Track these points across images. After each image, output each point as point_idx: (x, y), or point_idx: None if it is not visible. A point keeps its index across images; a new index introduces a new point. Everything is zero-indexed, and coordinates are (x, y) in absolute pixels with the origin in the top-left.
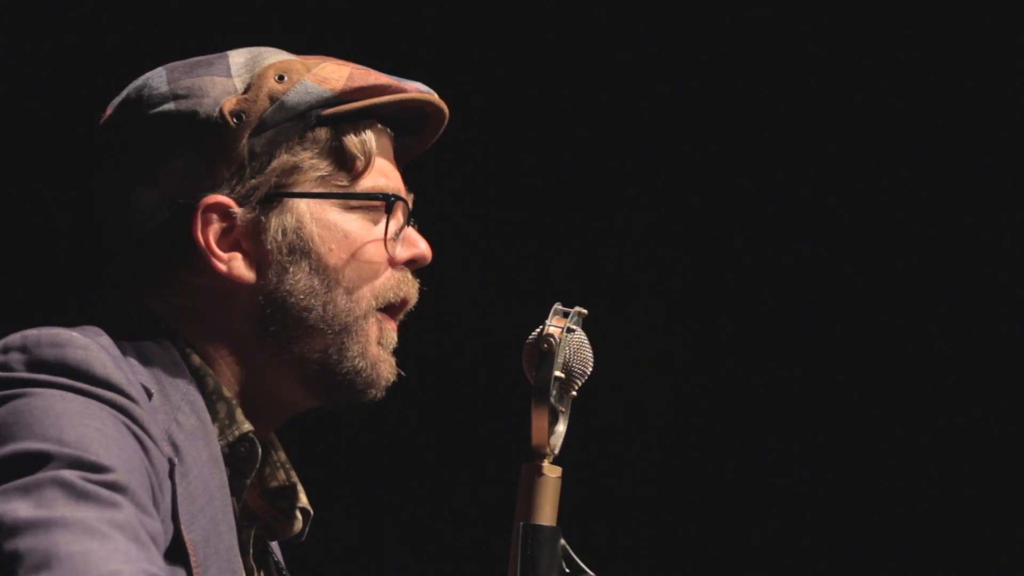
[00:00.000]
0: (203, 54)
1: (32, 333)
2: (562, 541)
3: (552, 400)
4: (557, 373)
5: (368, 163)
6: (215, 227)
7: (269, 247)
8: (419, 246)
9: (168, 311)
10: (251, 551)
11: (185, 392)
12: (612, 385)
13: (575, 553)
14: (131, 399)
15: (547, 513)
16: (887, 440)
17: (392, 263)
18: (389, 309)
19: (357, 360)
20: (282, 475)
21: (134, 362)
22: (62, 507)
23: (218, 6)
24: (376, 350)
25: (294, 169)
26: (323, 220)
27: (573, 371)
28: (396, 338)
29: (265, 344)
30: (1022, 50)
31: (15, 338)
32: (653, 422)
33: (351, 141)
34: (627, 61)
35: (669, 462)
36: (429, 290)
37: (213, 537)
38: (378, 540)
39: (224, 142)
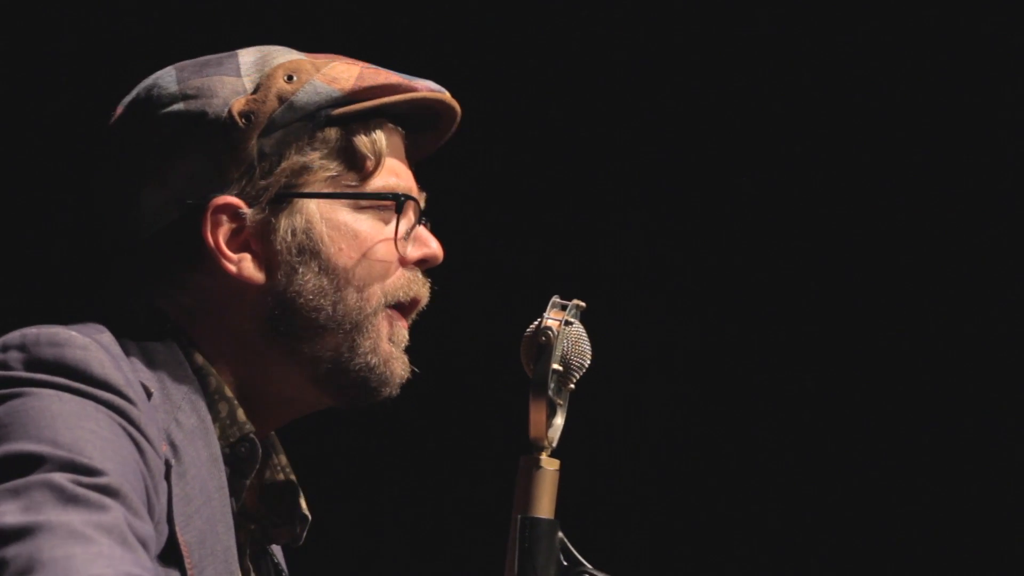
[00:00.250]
0: (213, 53)
1: (31, 332)
2: (560, 534)
3: (550, 393)
4: (555, 366)
5: (378, 163)
6: (225, 228)
7: (278, 248)
8: (430, 246)
9: (174, 310)
10: (248, 552)
11: (187, 391)
12: (610, 378)
13: (573, 546)
14: (128, 400)
15: (545, 506)
16: (885, 434)
17: (403, 262)
18: (400, 308)
19: (369, 357)
20: (282, 478)
21: (136, 360)
22: (50, 511)
23: (228, 5)
24: (388, 347)
25: (304, 169)
26: (333, 220)
27: (571, 364)
28: (407, 336)
29: (275, 344)
30: (1022, 50)
31: (14, 336)
32: (651, 415)
33: (361, 141)
34: (625, 57)
35: (667, 455)
36: (429, 279)
37: (209, 538)
38: (376, 531)
39: (233, 143)
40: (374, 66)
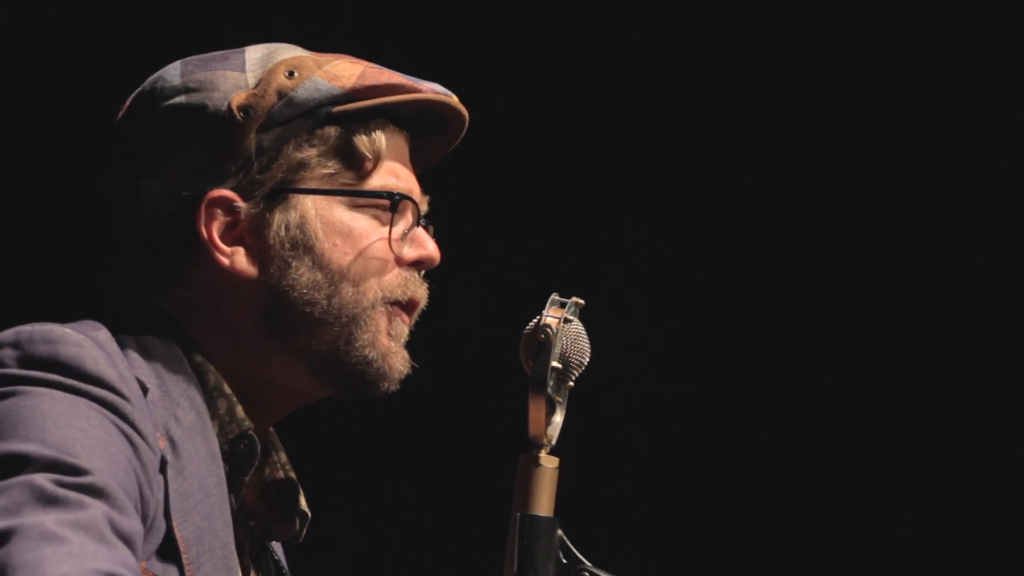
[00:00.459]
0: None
1: (25, 329)
2: (559, 531)
3: (549, 390)
4: (554, 363)
5: (377, 163)
6: (219, 221)
7: (271, 242)
8: (427, 247)
9: (173, 305)
10: (247, 549)
11: (185, 388)
12: (609, 375)
13: (572, 543)
14: (122, 396)
15: (544, 504)
16: (886, 431)
17: (399, 262)
18: (399, 307)
19: (367, 350)
20: (281, 475)
21: (134, 356)
22: (26, 513)
23: (242, 6)
24: (387, 341)
25: (301, 166)
26: (329, 217)
27: (570, 361)
28: (407, 332)
29: (271, 338)
30: (1022, 50)
31: (8, 334)
32: (650, 412)
33: (360, 140)
34: (624, 55)
35: (666, 452)
36: (426, 280)
37: (207, 534)
38: (376, 529)
39: (231, 136)
40: (379, 66)
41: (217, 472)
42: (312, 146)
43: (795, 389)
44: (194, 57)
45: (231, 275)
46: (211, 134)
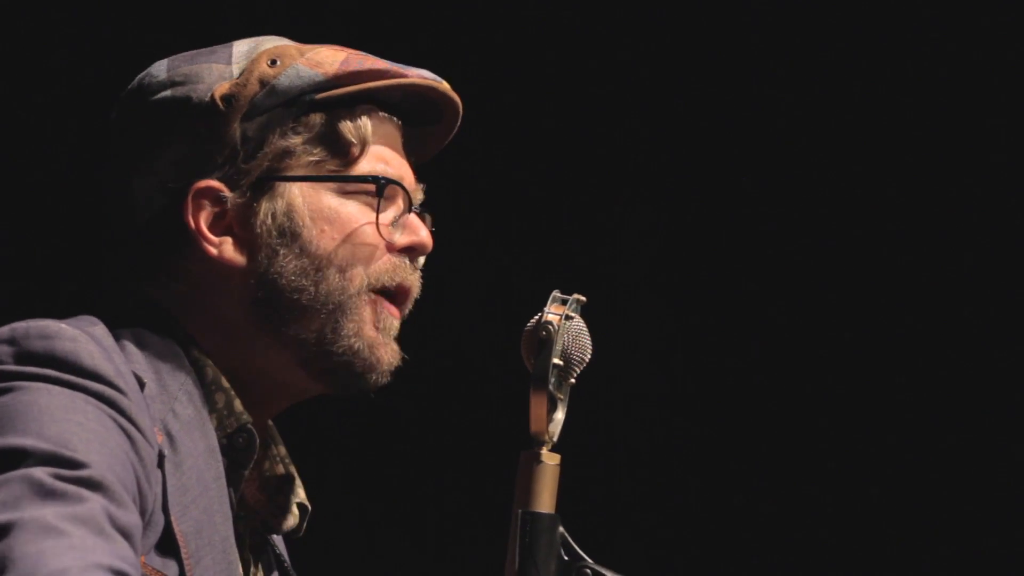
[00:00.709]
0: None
1: (21, 325)
2: (561, 528)
3: (550, 387)
4: (555, 360)
5: (363, 149)
6: (207, 212)
7: (259, 231)
8: (419, 234)
9: (168, 299)
10: (248, 543)
11: (183, 382)
12: (611, 372)
13: (574, 540)
14: (119, 390)
15: (546, 501)
16: (885, 429)
17: (390, 249)
18: (386, 294)
19: (353, 340)
20: (281, 469)
21: (131, 351)
22: (26, 507)
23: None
24: (372, 332)
25: (286, 154)
26: (316, 204)
27: (572, 358)
28: (397, 325)
29: (262, 329)
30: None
31: (4, 330)
32: (651, 409)
33: (346, 127)
34: (625, 53)
35: (667, 449)
36: (427, 278)
37: (207, 528)
38: (377, 525)
39: (215, 126)
40: (363, 53)
41: (216, 466)
42: (297, 134)
43: (796, 387)
44: (182, 53)
45: (220, 265)
46: (196, 125)
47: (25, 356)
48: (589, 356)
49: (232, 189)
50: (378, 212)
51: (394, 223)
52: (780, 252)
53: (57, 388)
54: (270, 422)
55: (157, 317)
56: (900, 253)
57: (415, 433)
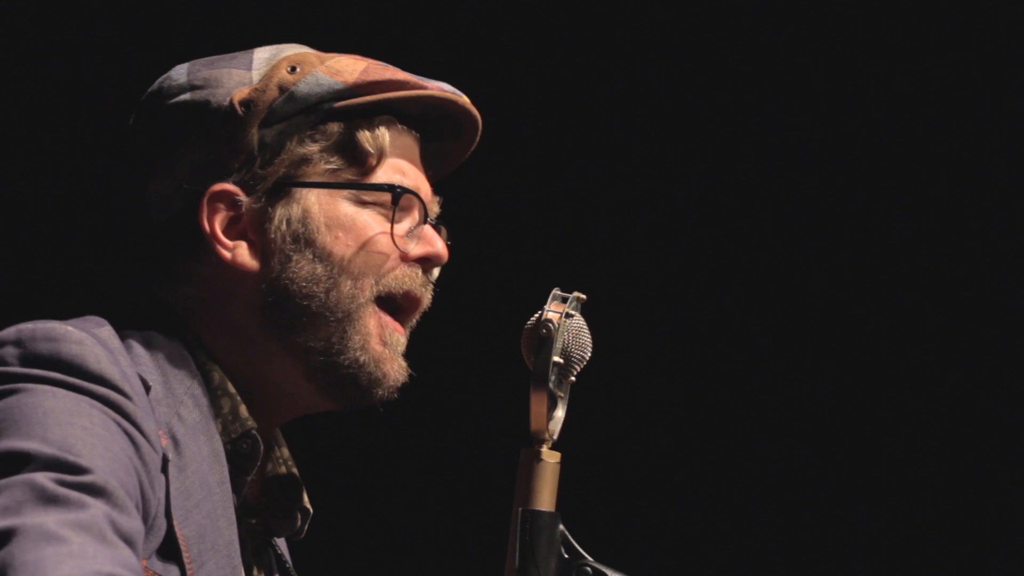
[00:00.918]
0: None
1: (27, 327)
2: (561, 526)
3: (551, 385)
4: (556, 358)
5: (380, 159)
6: (222, 215)
7: (273, 236)
8: (434, 245)
9: (178, 302)
10: (250, 546)
11: (189, 386)
12: (611, 370)
13: (574, 538)
14: (124, 394)
15: (546, 498)
16: (885, 427)
17: (404, 259)
18: (391, 303)
19: (358, 353)
20: (284, 471)
21: (138, 353)
22: (27, 513)
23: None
24: (379, 347)
25: (303, 161)
26: (331, 211)
27: (572, 356)
28: (403, 341)
29: (272, 335)
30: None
31: (10, 332)
32: (651, 407)
33: (363, 136)
34: (625, 51)
35: (667, 447)
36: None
37: (210, 532)
38: (377, 523)
39: (233, 131)
40: (384, 63)
41: (220, 471)
42: (315, 141)
43: (797, 386)
44: (204, 58)
45: (233, 269)
46: (214, 130)
47: (30, 358)
48: (589, 354)
49: (248, 194)
50: (393, 222)
51: (409, 233)
52: (781, 251)
53: (62, 391)
54: None
55: (166, 319)
56: (901, 253)
57: (415, 431)
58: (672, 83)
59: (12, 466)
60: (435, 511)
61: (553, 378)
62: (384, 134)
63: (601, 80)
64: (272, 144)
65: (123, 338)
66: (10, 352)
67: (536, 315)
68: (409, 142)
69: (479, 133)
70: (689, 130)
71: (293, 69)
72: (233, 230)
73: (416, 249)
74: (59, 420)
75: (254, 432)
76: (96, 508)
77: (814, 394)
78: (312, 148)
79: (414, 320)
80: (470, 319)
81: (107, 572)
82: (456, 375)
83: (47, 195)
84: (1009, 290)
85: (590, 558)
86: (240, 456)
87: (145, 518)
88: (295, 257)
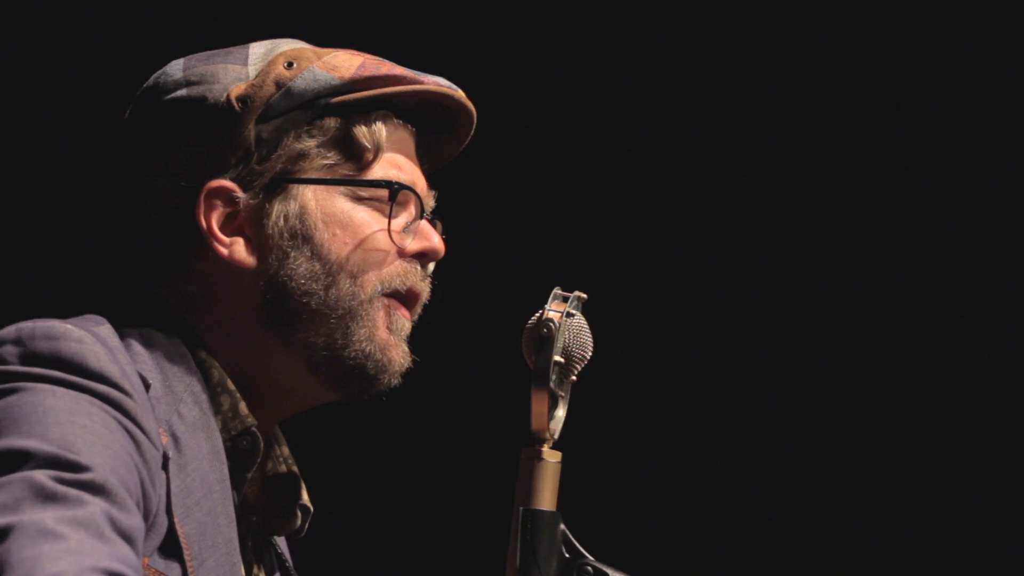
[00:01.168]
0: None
1: (27, 325)
2: (562, 526)
3: (552, 385)
4: (556, 358)
5: (377, 154)
6: (219, 212)
7: (270, 232)
8: (431, 240)
9: (177, 299)
10: (250, 544)
11: (189, 383)
12: (612, 370)
13: (575, 538)
14: (124, 392)
15: (547, 498)
16: (885, 426)
17: (401, 254)
18: (398, 298)
19: (365, 344)
20: (284, 469)
21: (138, 351)
22: (26, 510)
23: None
24: (385, 335)
25: (300, 156)
26: (329, 208)
27: (573, 356)
28: (408, 327)
29: (271, 332)
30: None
31: (10, 330)
32: (652, 407)
33: (360, 131)
34: (626, 50)
35: (668, 447)
36: (429, 280)
37: (211, 530)
38: (378, 522)
39: (229, 127)
40: (380, 58)
41: (220, 468)
42: (312, 136)
43: (797, 385)
44: (199, 53)
45: (230, 266)
46: (211, 125)
47: (30, 357)
48: (590, 353)
49: (245, 190)
50: (390, 217)
51: (406, 229)
52: (781, 251)
53: (62, 390)
54: None
55: (165, 317)
56: (902, 252)
57: (415, 431)
58: (673, 83)
59: (11, 464)
60: (436, 510)
61: (554, 377)
62: (381, 129)
63: (602, 77)
64: (269, 140)
65: (122, 336)
66: (10, 351)
67: (537, 314)
68: (405, 136)
69: (474, 127)
70: (690, 129)
71: (290, 64)
72: (230, 226)
73: (413, 244)
74: (59, 418)
75: (254, 429)
76: (95, 505)
77: (814, 394)
78: (309, 144)
79: (417, 313)
80: (471, 319)
81: (103, 567)
82: (457, 374)
83: (44, 193)
84: (1009, 290)
85: (591, 557)
86: (240, 453)
87: (146, 516)
88: (293, 254)
